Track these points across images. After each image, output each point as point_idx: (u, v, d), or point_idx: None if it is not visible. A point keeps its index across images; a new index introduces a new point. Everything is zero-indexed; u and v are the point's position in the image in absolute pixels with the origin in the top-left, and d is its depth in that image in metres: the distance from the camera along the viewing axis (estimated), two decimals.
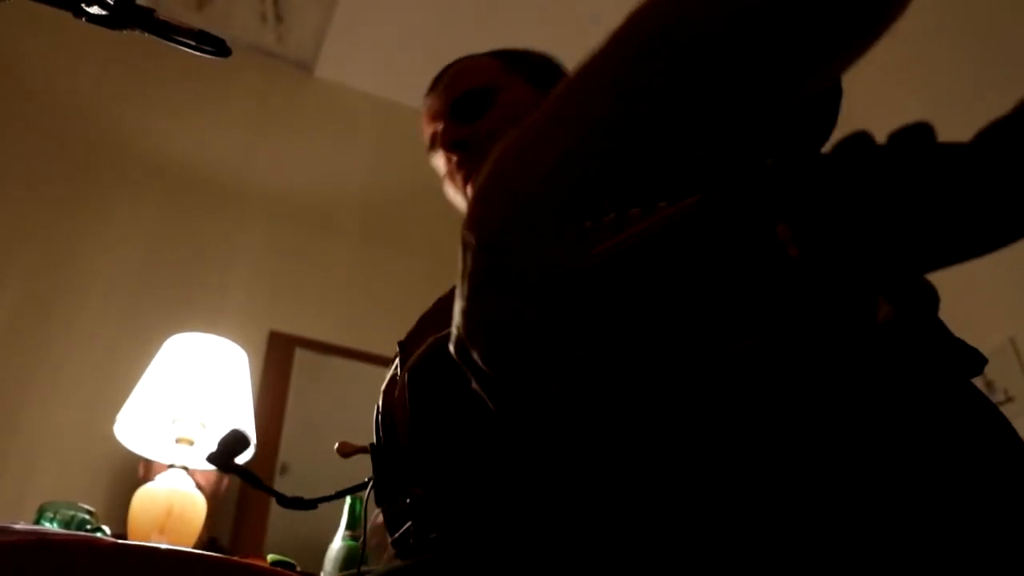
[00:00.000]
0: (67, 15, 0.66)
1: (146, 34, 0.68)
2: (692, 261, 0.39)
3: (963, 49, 2.48)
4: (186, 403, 1.57)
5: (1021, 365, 2.16)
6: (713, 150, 0.52)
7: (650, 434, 0.45)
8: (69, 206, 2.73)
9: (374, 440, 0.59)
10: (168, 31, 0.68)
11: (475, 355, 0.41)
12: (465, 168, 0.84)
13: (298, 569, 1.28)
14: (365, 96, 3.44)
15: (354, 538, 1.36)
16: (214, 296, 2.79)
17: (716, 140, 0.45)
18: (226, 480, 2.16)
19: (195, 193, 2.95)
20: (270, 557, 1.28)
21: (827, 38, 0.43)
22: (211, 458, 0.63)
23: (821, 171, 0.36)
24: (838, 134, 0.37)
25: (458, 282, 0.42)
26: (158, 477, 1.50)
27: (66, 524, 1.28)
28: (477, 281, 0.41)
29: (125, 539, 1.20)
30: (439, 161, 0.89)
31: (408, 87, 3.25)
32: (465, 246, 0.42)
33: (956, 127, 0.38)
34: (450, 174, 0.87)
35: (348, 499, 1.40)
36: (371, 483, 0.59)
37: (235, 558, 1.14)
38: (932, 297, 0.54)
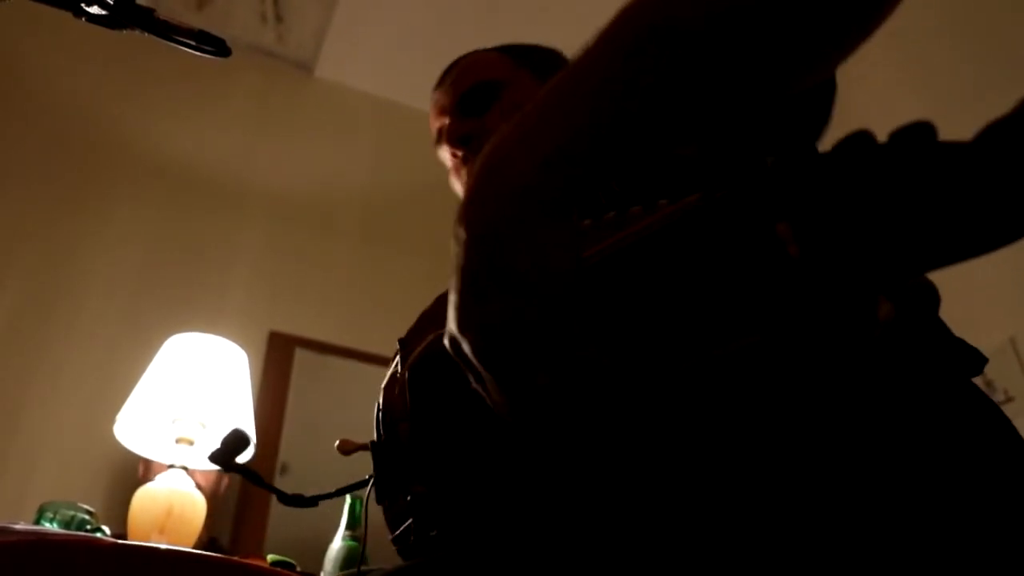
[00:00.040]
0: (67, 15, 0.66)
1: (146, 34, 0.68)
2: (693, 259, 0.39)
3: (963, 49, 2.48)
4: (186, 403, 1.57)
5: (1021, 365, 2.17)
6: (710, 148, 0.52)
7: (652, 431, 0.45)
8: (69, 206, 2.73)
9: (375, 438, 0.59)
10: (168, 31, 0.68)
11: (465, 348, 0.41)
12: (470, 163, 0.84)
13: (298, 569, 1.28)
14: (365, 96, 3.44)
15: (354, 538, 1.36)
16: (214, 296, 2.79)
17: (707, 136, 0.45)
18: (226, 480, 2.16)
19: (195, 193, 2.95)
20: (270, 557, 1.28)
21: (814, 38, 0.43)
22: (213, 457, 0.63)
23: (822, 170, 0.36)
24: (838, 135, 0.37)
25: (451, 277, 0.43)
26: (158, 477, 1.49)
27: (66, 524, 1.28)
28: (467, 275, 0.41)
29: (125, 539, 1.20)
30: (445, 155, 0.89)
31: (408, 87, 3.26)
32: (456, 240, 0.42)
33: (956, 127, 0.38)
34: (455, 168, 0.87)
35: (348, 499, 1.40)
36: (372, 481, 0.59)
37: (235, 558, 1.13)
38: (933, 296, 0.54)
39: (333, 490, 0.66)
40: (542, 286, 0.40)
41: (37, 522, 1.28)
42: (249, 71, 3.22)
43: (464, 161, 0.85)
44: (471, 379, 0.43)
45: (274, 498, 0.64)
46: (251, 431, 1.62)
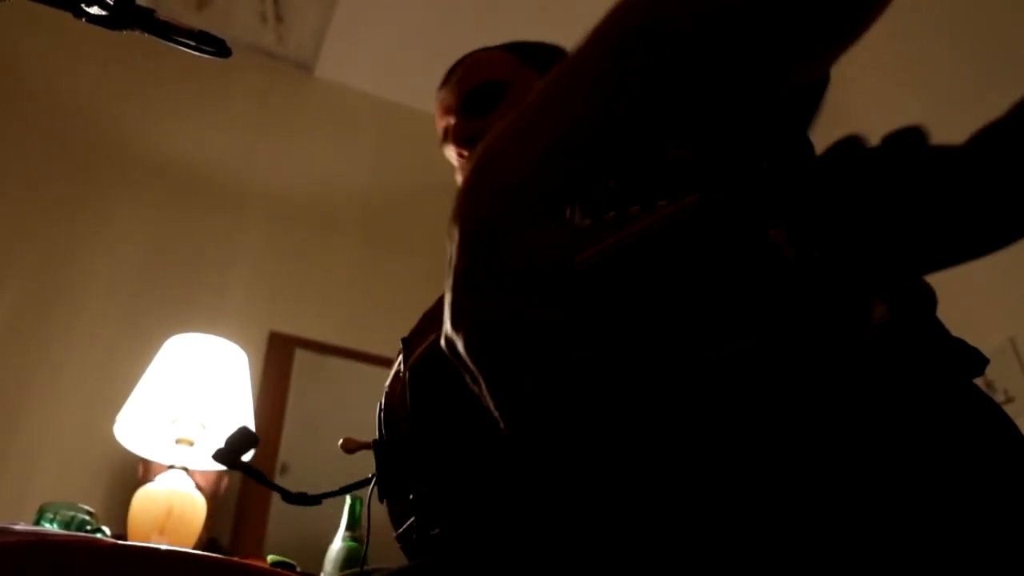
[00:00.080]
0: (67, 15, 0.66)
1: (146, 34, 0.68)
2: (690, 260, 0.39)
3: (963, 49, 2.48)
4: (186, 404, 1.57)
5: (1021, 365, 2.17)
6: (707, 146, 0.52)
7: (649, 433, 0.45)
8: (69, 206, 2.73)
9: (377, 437, 0.59)
10: (168, 31, 0.68)
11: (459, 347, 0.41)
12: None
13: (298, 569, 1.28)
14: (365, 96, 3.44)
15: (354, 539, 1.36)
16: (214, 296, 2.79)
17: (699, 135, 0.45)
18: (226, 480, 2.16)
19: (195, 193, 2.95)
20: (270, 557, 1.28)
21: (801, 38, 0.43)
22: (218, 455, 0.63)
23: (814, 174, 0.36)
24: (839, 134, 0.37)
25: (446, 275, 0.43)
26: (158, 477, 1.49)
27: (66, 525, 1.28)
28: (461, 272, 0.41)
29: (125, 540, 1.20)
30: (451, 154, 0.89)
31: (408, 87, 3.27)
32: (450, 238, 0.42)
33: (956, 127, 0.38)
34: (461, 168, 0.87)
35: (348, 499, 1.40)
36: (374, 479, 0.59)
37: (235, 558, 1.13)
38: (929, 298, 0.54)
39: (336, 489, 0.66)
40: (537, 283, 0.39)
41: (37, 522, 1.28)
42: (249, 71, 3.22)
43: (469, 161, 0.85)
44: (468, 380, 0.43)
45: (274, 498, 0.65)
46: None
